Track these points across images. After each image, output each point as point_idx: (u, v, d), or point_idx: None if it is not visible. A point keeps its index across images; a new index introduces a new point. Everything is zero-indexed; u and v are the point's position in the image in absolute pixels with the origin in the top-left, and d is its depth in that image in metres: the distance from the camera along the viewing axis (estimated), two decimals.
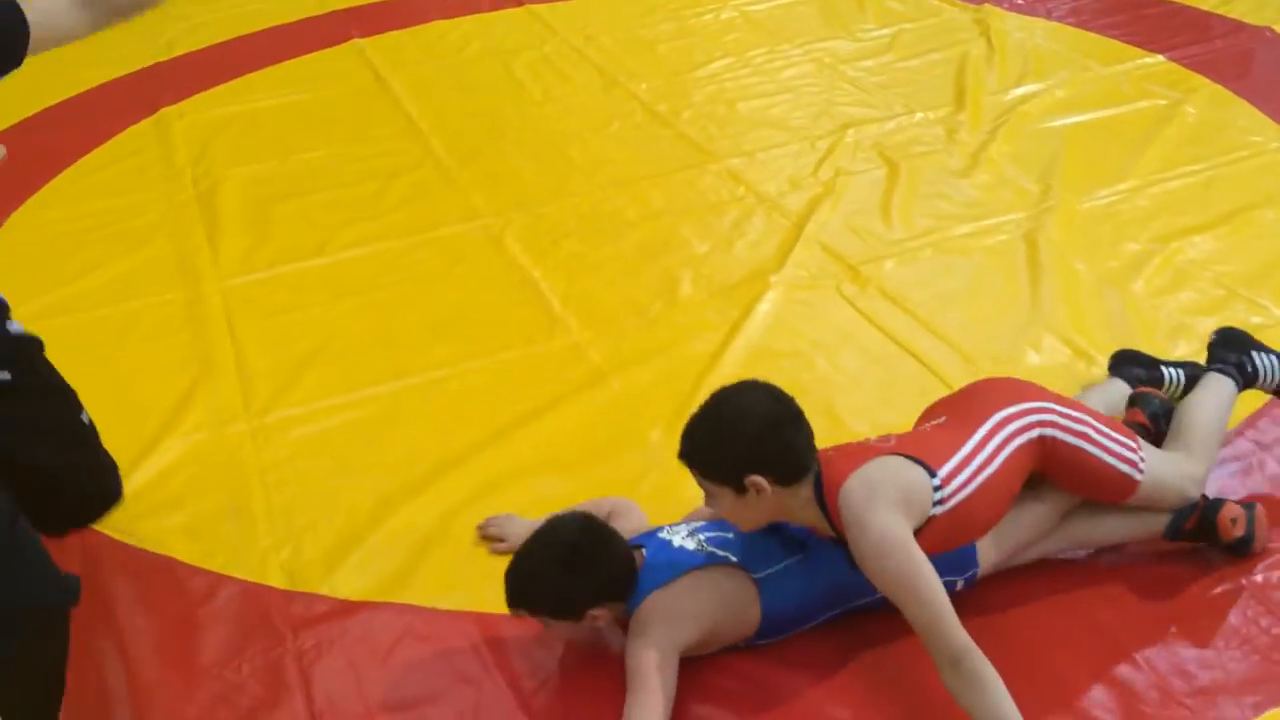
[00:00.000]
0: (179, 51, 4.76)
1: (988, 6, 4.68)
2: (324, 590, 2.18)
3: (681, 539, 1.97)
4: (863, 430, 2.46)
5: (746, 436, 1.82)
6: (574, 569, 1.87)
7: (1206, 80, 3.91)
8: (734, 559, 1.92)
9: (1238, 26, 4.33)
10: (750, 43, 4.48)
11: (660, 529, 2.03)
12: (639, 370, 2.73)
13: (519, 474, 2.44)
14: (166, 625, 2.13)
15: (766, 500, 1.83)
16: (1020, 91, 3.93)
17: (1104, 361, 2.54)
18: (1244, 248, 2.98)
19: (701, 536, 1.98)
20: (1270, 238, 3.01)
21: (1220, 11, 4.47)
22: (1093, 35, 4.39)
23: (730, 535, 1.96)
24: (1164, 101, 3.78)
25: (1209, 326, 2.67)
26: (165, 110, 4.22)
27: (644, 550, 1.96)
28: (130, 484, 2.47)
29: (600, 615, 1.89)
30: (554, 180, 3.65)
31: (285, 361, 2.86)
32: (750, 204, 3.41)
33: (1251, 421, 2.36)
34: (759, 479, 1.80)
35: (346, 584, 2.19)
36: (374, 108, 4.23)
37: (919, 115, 3.86)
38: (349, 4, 5.21)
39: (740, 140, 3.80)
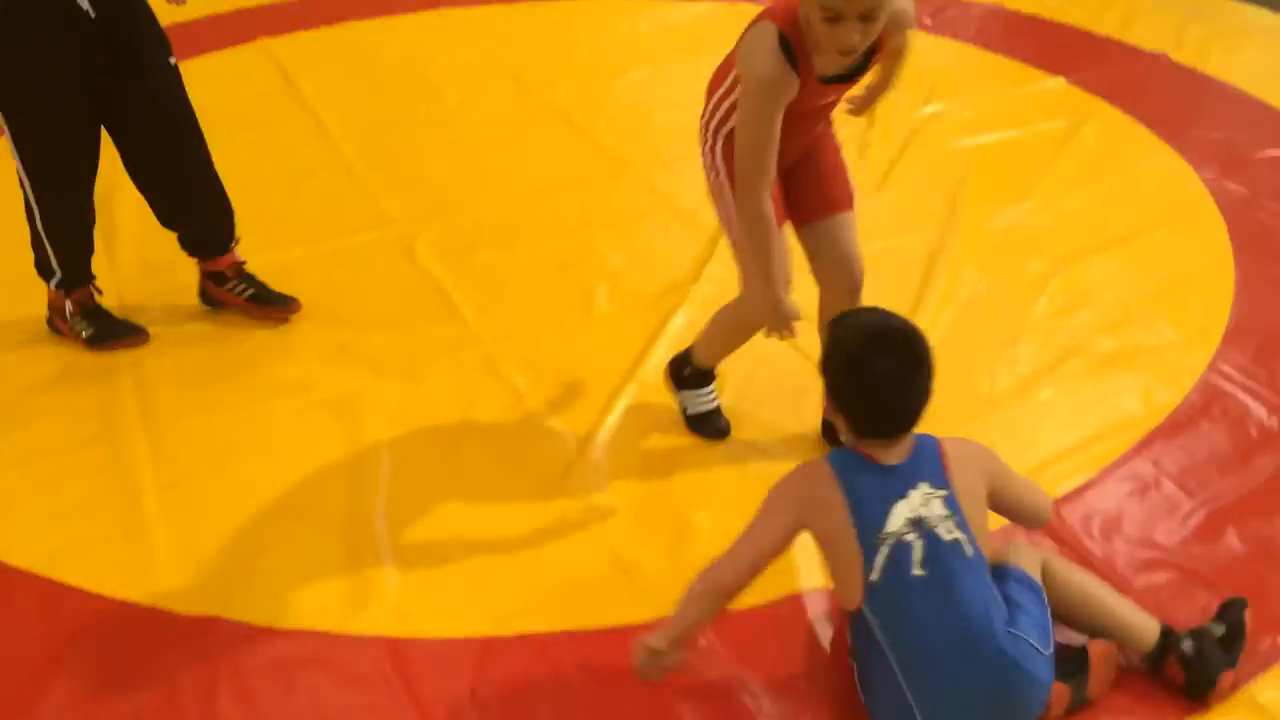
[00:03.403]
0: None
1: None
2: (224, 614, 2.12)
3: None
4: (772, 447, 2.49)
5: None
6: None
7: (1105, 104, 4.05)
8: None
9: (1134, 53, 4.48)
10: (667, 54, 4.49)
11: None
12: (554, 384, 2.71)
13: (430, 495, 2.40)
14: (51, 653, 2.04)
15: None
16: (928, 110, 4.01)
17: (1005, 378, 2.62)
18: (1141, 269, 3.08)
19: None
20: (1166, 260, 3.12)
21: (1117, 37, 4.63)
22: (997, 57, 4.51)
23: None
24: (1064, 124, 3.90)
25: (1108, 345, 2.77)
26: None
27: None
28: (13, 501, 2.40)
29: None
30: (468, 188, 3.61)
31: (184, 372, 2.78)
32: (667, 216, 3.42)
33: (1147, 442, 2.45)
34: None
35: (248, 607, 2.13)
36: (281, 110, 4.14)
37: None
38: (256, 3, 5.10)
39: (657, 151, 3.80)
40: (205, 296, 3.00)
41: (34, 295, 2.94)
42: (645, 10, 4.92)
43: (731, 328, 2.43)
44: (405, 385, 2.72)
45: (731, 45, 2.14)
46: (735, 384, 2.67)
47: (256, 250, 3.23)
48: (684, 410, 2.56)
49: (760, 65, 1.96)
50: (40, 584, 2.19)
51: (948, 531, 1.70)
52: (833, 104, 2.17)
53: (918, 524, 1.70)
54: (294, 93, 4.27)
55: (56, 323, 2.89)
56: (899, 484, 1.72)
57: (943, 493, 1.72)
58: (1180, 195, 3.45)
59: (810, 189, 2.22)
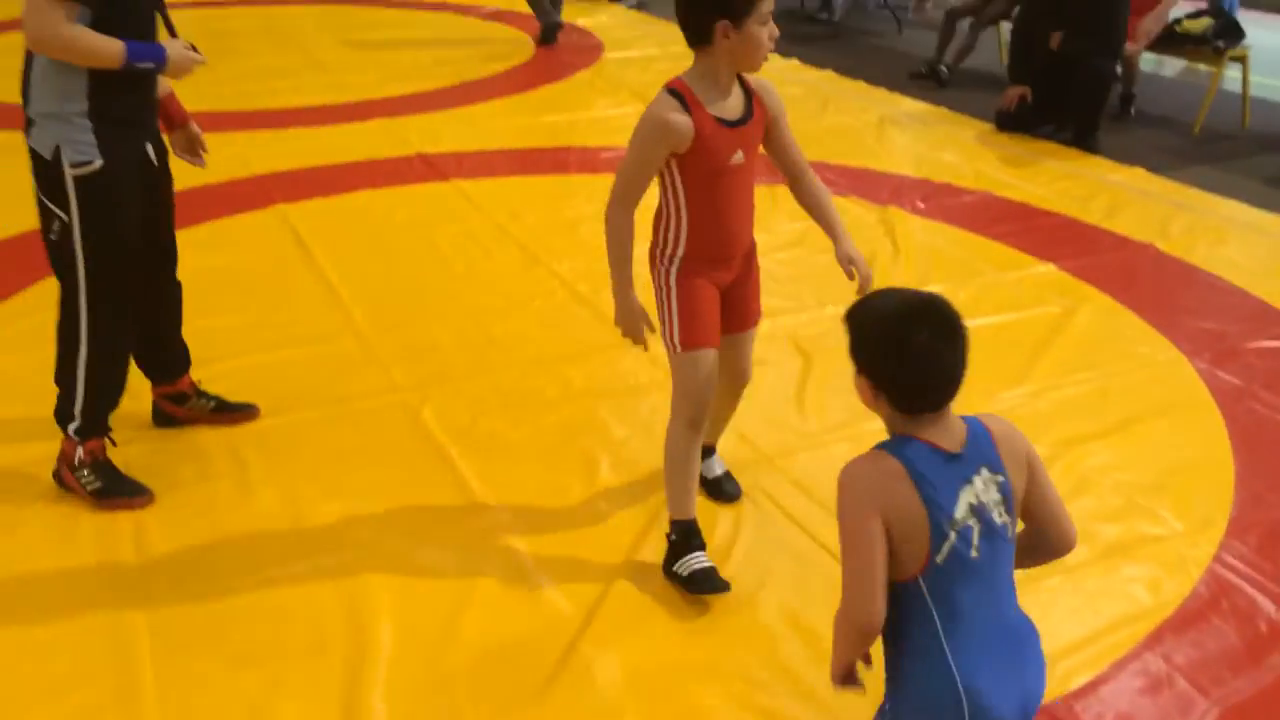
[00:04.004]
0: None
1: (892, 208, 4.94)
2: None
3: None
4: (778, 629, 2.46)
5: None
6: None
7: (1095, 290, 4.17)
8: None
9: (1122, 241, 4.64)
10: None
11: None
12: (557, 557, 2.70)
13: (431, 670, 2.35)
14: None
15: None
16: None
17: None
18: (1141, 457, 3.12)
19: None
20: (1164, 448, 3.16)
21: (1105, 226, 4.80)
22: (989, 241, 4.66)
23: None
24: (1057, 309, 4.01)
25: (1112, 534, 2.78)
26: None
27: None
28: (4, 670, 2.33)
29: None
30: (474, 356, 3.67)
31: (187, 537, 2.75)
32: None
33: (1157, 636, 2.43)
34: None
35: None
36: (294, 274, 4.23)
37: (830, 309, 4.00)
38: (274, 169, 5.27)
39: None
40: (162, 418, 3.19)
41: (39, 453, 2.94)
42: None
43: (671, 456, 2.62)
44: (408, 555, 2.70)
45: None
46: (749, 569, 2.67)
47: (264, 415, 3.26)
48: (681, 577, 2.58)
49: (655, 109, 2.38)
50: None
51: (999, 515, 1.76)
52: (743, 174, 2.47)
53: (978, 509, 1.75)
54: (307, 257, 4.37)
55: (64, 475, 2.87)
56: (965, 470, 1.75)
57: (1000, 478, 1.78)
58: (1175, 383, 3.52)
59: (734, 310, 2.63)
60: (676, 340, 2.53)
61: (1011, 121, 6.18)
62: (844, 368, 3.74)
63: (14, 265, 4.19)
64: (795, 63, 7.93)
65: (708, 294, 2.52)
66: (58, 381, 2.83)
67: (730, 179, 2.44)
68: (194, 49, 2.71)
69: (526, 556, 2.69)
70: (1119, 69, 6.25)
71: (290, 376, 3.49)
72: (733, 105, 2.42)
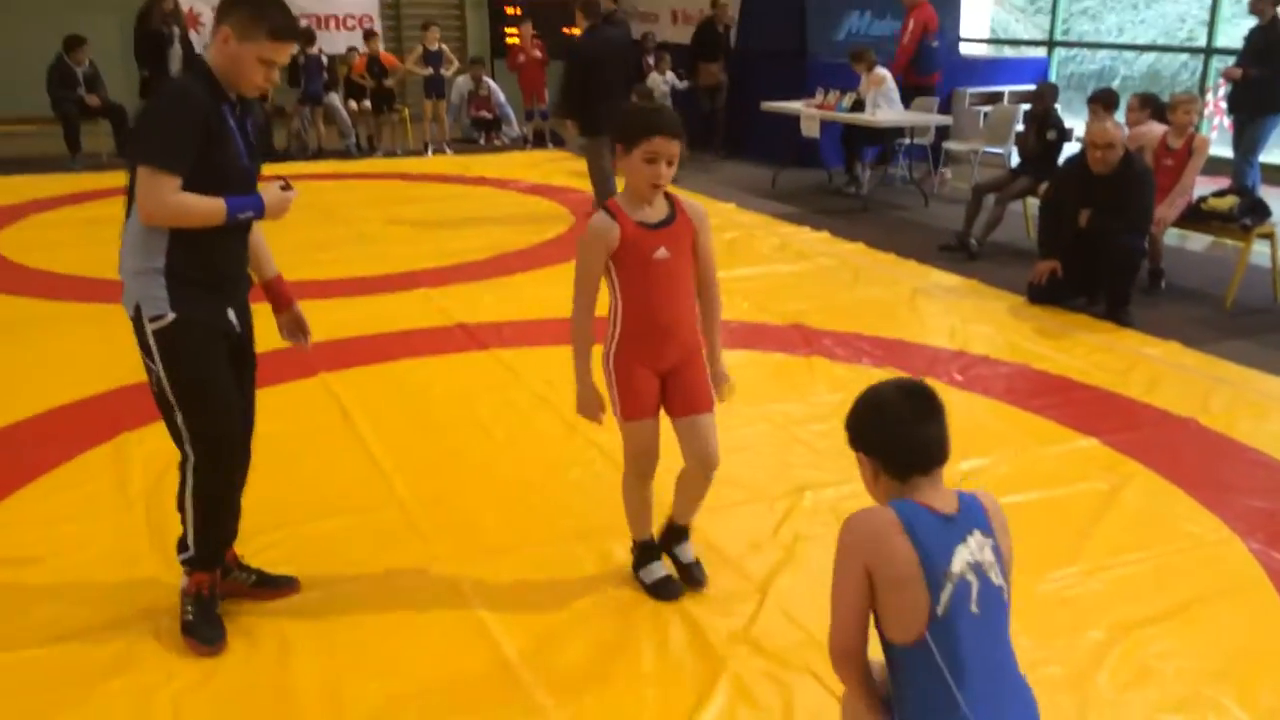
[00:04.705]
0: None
1: (928, 380, 4.95)
2: None
3: None
4: None
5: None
6: None
7: (1140, 466, 4.12)
8: None
9: (1164, 416, 4.61)
10: None
11: None
12: None
13: None
14: None
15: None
16: (965, 466, 4.08)
17: None
18: (1202, 642, 3.02)
19: None
20: (1226, 633, 3.06)
21: (1145, 400, 4.79)
22: (1028, 414, 4.65)
23: None
24: (1104, 485, 3.95)
25: None
26: (126, 435, 4.19)
27: None
28: None
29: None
30: (515, 528, 3.64)
31: (226, 716, 2.69)
32: (715, 564, 3.41)
33: None
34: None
35: None
36: (338, 445, 4.26)
37: None
38: (317, 339, 5.34)
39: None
40: None
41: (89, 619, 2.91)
42: None
43: (626, 497, 3.26)
44: None
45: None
46: None
47: (306, 589, 3.24)
48: (644, 584, 3.27)
49: (590, 224, 2.97)
50: None
51: (995, 577, 1.93)
52: (668, 266, 2.97)
53: (976, 567, 1.91)
54: (349, 426, 4.41)
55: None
56: (958, 530, 1.93)
57: (991, 541, 1.95)
58: (1230, 564, 3.43)
59: (679, 394, 3.09)
60: (620, 414, 3.06)
61: (1043, 294, 6.25)
62: None
63: (50, 439, 4.25)
64: (826, 235, 8.12)
65: (641, 374, 3.03)
66: (179, 509, 2.96)
67: (656, 269, 2.96)
68: (287, 185, 2.87)
69: None
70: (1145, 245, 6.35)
71: (331, 548, 3.48)
72: (654, 213, 2.98)
